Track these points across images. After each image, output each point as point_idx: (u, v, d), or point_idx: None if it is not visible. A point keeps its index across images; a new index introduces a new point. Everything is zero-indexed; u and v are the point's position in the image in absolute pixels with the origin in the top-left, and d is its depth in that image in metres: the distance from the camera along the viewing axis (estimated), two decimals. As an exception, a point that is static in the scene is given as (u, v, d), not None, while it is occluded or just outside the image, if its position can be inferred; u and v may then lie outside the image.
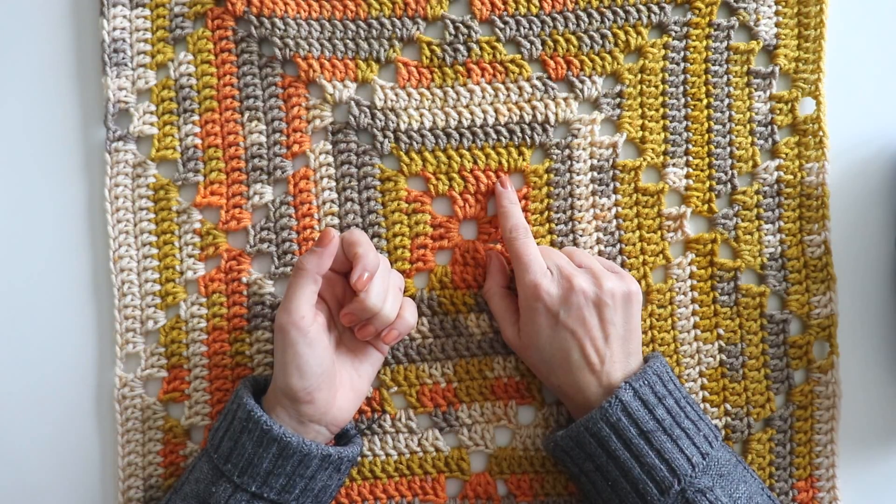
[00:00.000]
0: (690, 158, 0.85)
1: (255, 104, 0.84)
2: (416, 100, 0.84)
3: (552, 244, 0.84)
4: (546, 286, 0.78)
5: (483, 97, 0.84)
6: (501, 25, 0.84)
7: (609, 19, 0.84)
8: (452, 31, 0.84)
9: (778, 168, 0.85)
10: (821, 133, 0.85)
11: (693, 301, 0.84)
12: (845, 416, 0.84)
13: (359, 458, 0.82)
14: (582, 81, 0.84)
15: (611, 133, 0.85)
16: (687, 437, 0.74)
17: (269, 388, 0.76)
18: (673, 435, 0.74)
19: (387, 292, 0.76)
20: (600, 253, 0.84)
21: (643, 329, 0.84)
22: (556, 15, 0.84)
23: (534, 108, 0.84)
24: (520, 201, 0.84)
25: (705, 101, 0.85)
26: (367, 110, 0.84)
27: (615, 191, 0.85)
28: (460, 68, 0.84)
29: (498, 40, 0.84)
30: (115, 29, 0.84)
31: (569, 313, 0.77)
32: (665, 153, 0.85)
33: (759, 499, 0.75)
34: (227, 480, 0.73)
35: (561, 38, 0.84)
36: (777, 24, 0.85)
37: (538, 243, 0.83)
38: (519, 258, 0.79)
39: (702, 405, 0.84)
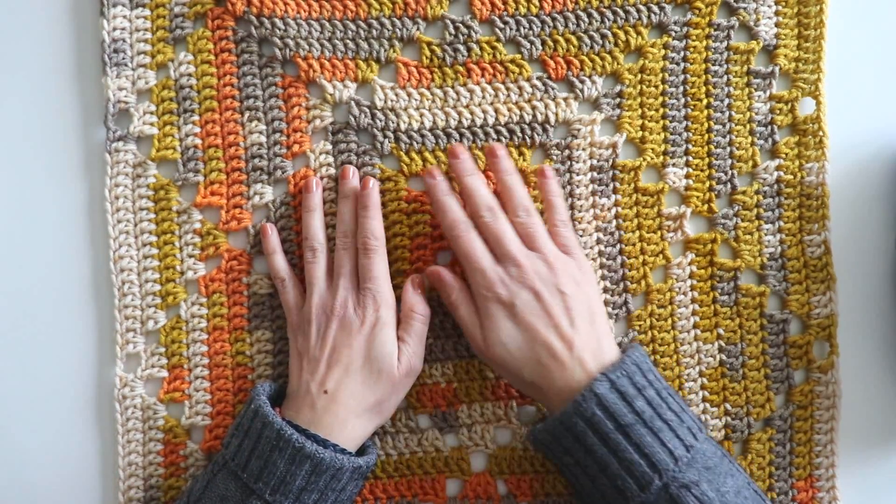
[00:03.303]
0: (690, 158, 0.85)
1: (255, 104, 0.84)
2: (416, 100, 0.84)
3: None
4: (498, 281, 0.76)
5: (483, 97, 0.84)
6: (501, 25, 0.84)
7: (609, 19, 0.84)
8: (452, 31, 0.84)
9: (778, 168, 0.85)
10: (821, 133, 0.85)
11: (693, 301, 0.84)
12: (845, 416, 0.83)
13: None
14: (582, 81, 0.84)
15: (611, 133, 0.85)
16: (669, 429, 0.72)
17: (296, 391, 0.78)
18: (654, 428, 0.72)
19: None
20: (600, 253, 0.84)
21: (643, 329, 0.84)
22: (556, 15, 0.84)
23: (534, 108, 0.84)
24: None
25: (705, 101, 0.85)
26: (368, 110, 0.84)
27: (615, 191, 0.85)
28: (460, 68, 0.84)
29: (498, 40, 0.84)
30: (115, 29, 0.84)
31: (527, 305, 0.75)
32: (665, 153, 0.85)
33: (746, 492, 0.73)
34: (259, 498, 0.73)
35: (561, 38, 0.84)
36: (777, 24, 0.85)
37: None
38: (466, 257, 0.77)
39: (702, 405, 0.84)
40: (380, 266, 0.80)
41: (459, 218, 0.78)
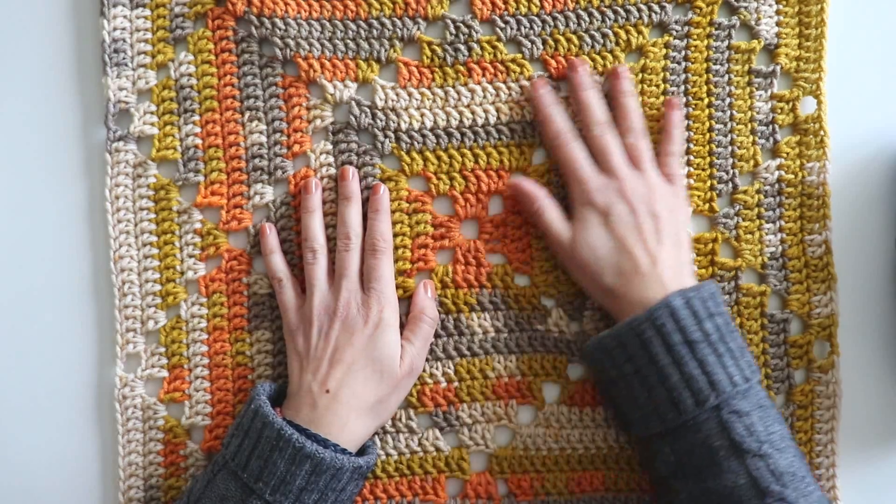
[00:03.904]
0: (691, 158, 0.85)
1: (255, 104, 0.84)
2: (416, 100, 0.84)
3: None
4: (597, 190, 0.79)
5: (484, 97, 0.84)
6: (502, 25, 0.84)
7: (610, 19, 0.84)
8: (453, 31, 0.84)
9: (779, 167, 0.85)
10: (822, 132, 0.85)
11: (694, 301, 0.84)
12: (845, 416, 0.83)
13: None
14: (583, 81, 0.84)
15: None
16: (732, 356, 0.74)
17: (296, 390, 0.78)
18: (718, 351, 0.73)
19: None
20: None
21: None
22: (557, 14, 0.84)
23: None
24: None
25: (706, 101, 0.85)
26: (368, 110, 0.84)
27: (616, 190, 0.85)
28: (461, 68, 0.84)
29: (499, 40, 0.84)
30: (115, 29, 0.83)
31: (621, 217, 0.78)
32: (666, 152, 0.85)
33: (790, 443, 0.73)
34: (259, 498, 0.73)
35: (562, 38, 0.84)
36: (778, 24, 0.85)
37: (540, 243, 0.83)
38: (568, 165, 0.80)
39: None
40: (386, 267, 0.80)
41: (563, 128, 0.81)
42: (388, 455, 0.83)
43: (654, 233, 0.78)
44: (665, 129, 0.83)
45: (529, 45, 0.84)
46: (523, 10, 0.84)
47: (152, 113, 0.84)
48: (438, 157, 0.84)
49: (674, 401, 0.73)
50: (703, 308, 0.74)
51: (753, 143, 0.85)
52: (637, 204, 0.78)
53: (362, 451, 0.79)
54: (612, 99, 0.83)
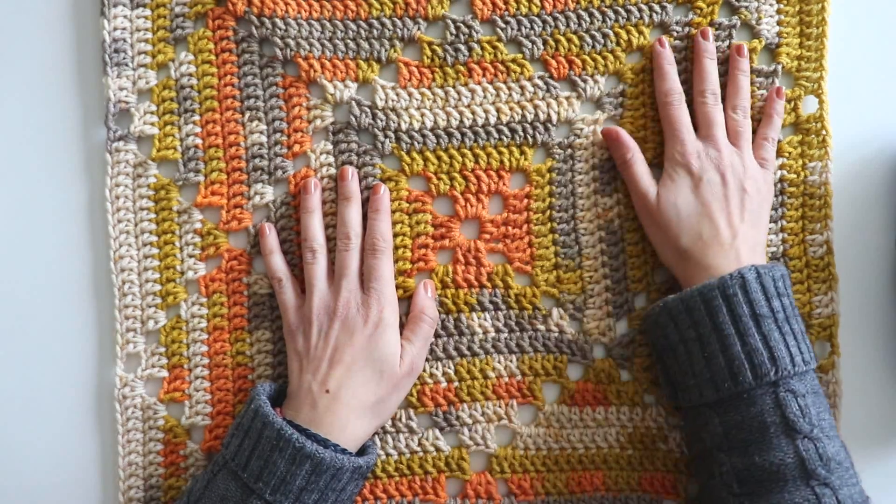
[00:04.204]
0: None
1: (255, 104, 0.84)
2: (417, 100, 0.84)
3: (554, 243, 0.84)
4: (695, 154, 0.80)
5: (484, 97, 0.84)
6: (503, 25, 0.84)
7: (611, 18, 0.84)
8: (453, 31, 0.84)
9: (781, 167, 0.84)
10: (823, 132, 0.84)
11: (694, 301, 0.84)
12: (845, 416, 0.83)
13: None
14: (584, 81, 0.84)
15: (612, 133, 0.85)
16: (795, 337, 0.75)
17: (296, 390, 0.78)
18: (783, 329, 0.74)
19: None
20: (602, 252, 0.84)
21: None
22: (558, 14, 0.84)
23: (536, 107, 0.84)
24: (522, 200, 0.84)
25: (707, 100, 0.85)
26: (368, 110, 0.84)
27: (617, 190, 0.85)
28: (461, 68, 0.84)
29: (499, 40, 0.84)
30: (115, 29, 0.83)
31: (712, 185, 0.79)
32: (667, 152, 0.85)
33: (837, 433, 0.75)
34: (259, 498, 0.73)
35: (563, 38, 0.84)
36: (779, 23, 0.85)
37: (540, 243, 0.83)
38: (672, 124, 0.82)
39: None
40: (386, 267, 0.81)
41: (676, 88, 0.83)
42: (388, 455, 0.83)
43: (740, 208, 0.79)
44: (767, 113, 0.84)
45: (530, 45, 0.84)
46: (524, 10, 0.84)
47: (152, 113, 0.84)
48: (438, 157, 0.84)
49: (733, 371, 0.73)
50: (773, 286, 0.75)
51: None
52: (729, 177, 0.80)
53: (362, 451, 0.79)
54: (727, 73, 0.84)
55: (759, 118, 0.84)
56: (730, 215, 0.79)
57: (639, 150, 0.83)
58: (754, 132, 0.84)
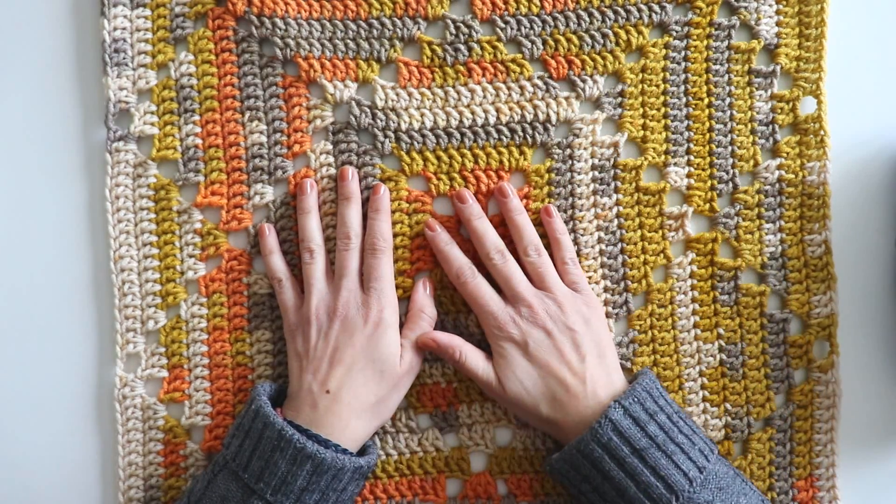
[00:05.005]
0: (692, 158, 0.85)
1: (255, 104, 0.84)
2: (416, 100, 0.84)
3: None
4: (510, 322, 0.79)
5: (484, 97, 0.84)
6: (502, 25, 0.84)
7: (610, 19, 0.84)
8: (453, 31, 0.84)
9: (779, 167, 0.85)
10: (822, 132, 0.85)
11: (693, 300, 0.84)
12: (845, 416, 0.84)
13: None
14: (583, 81, 0.84)
15: (612, 132, 0.85)
16: (682, 451, 0.74)
17: (296, 391, 0.78)
18: (667, 451, 0.74)
19: None
20: (601, 252, 0.84)
21: (643, 328, 0.84)
22: (557, 14, 0.84)
23: (535, 107, 0.84)
24: (521, 200, 0.84)
25: (706, 101, 0.85)
26: (368, 110, 0.84)
27: (616, 190, 0.85)
28: (461, 68, 0.84)
29: (499, 40, 0.84)
30: (115, 29, 0.83)
31: (539, 344, 0.78)
32: (666, 152, 0.85)
33: None
34: (260, 499, 0.73)
35: (562, 38, 0.84)
36: (778, 24, 0.85)
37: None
38: (475, 301, 0.80)
39: (702, 405, 0.84)
40: (386, 267, 0.81)
41: (464, 264, 0.81)
42: (388, 455, 0.83)
43: (575, 351, 0.78)
44: (552, 238, 0.83)
45: (529, 45, 0.84)
46: (523, 10, 0.84)
47: (152, 113, 0.84)
48: (438, 157, 0.84)
49: None
50: (642, 412, 0.75)
51: (753, 143, 0.85)
52: (551, 326, 0.78)
53: (363, 451, 0.79)
54: (504, 218, 0.83)
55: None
56: (570, 364, 0.77)
57: (464, 343, 0.80)
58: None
